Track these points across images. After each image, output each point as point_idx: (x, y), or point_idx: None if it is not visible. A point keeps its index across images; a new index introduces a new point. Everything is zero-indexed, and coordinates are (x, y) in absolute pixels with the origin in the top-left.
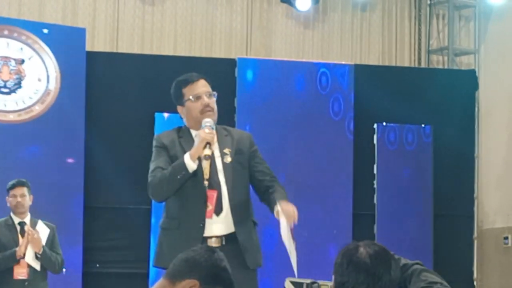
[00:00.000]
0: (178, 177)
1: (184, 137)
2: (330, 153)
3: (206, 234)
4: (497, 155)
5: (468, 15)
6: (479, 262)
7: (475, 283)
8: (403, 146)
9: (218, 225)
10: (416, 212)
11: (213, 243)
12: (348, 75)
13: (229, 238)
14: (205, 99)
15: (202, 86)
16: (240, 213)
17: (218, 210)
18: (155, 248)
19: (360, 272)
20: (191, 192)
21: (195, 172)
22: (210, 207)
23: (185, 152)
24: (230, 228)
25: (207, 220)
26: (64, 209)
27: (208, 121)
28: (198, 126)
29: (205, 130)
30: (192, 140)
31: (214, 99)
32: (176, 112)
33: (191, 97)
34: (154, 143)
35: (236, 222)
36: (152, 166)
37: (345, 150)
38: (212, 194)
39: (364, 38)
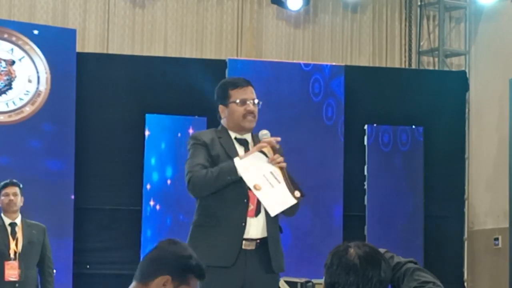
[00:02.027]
0: (228, 178)
1: (223, 137)
2: (321, 154)
3: (243, 236)
4: (487, 156)
5: (459, 16)
6: (470, 263)
7: (465, 284)
8: (394, 147)
9: (254, 228)
10: (406, 213)
11: (247, 245)
12: (339, 77)
13: (262, 242)
14: (251, 106)
15: (250, 93)
16: (272, 218)
17: (258, 211)
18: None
19: (349, 273)
20: (231, 191)
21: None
22: (252, 206)
23: (226, 153)
24: (262, 232)
25: (251, 220)
26: (54, 210)
27: (266, 133)
28: (238, 129)
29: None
30: (231, 141)
31: (258, 107)
32: (165, 113)
33: (237, 100)
34: (191, 141)
35: (268, 226)
36: (190, 162)
37: (335, 152)
38: (253, 195)
39: (355, 39)
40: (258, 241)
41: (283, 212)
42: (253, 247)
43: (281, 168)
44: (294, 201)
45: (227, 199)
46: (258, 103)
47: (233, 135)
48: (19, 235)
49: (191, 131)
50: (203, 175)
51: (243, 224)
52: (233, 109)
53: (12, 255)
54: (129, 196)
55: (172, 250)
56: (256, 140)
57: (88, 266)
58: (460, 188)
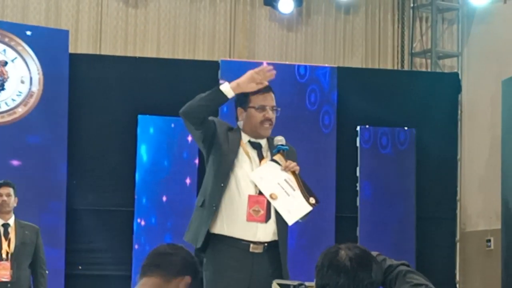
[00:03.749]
0: (208, 91)
1: (233, 134)
2: (312, 155)
3: (250, 238)
4: (479, 158)
5: (451, 18)
6: (462, 265)
7: (457, 285)
8: (386, 149)
9: (262, 231)
10: (399, 214)
11: (255, 248)
12: (329, 75)
13: (270, 246)
14: (269, 113)
15: (270, 99)
16: (283, 223)
17: (268, 217)
18: (189, 223)
19: (340, 275)
20: (218, 177)
21: (232, 163)
22: (262, 212)
23: (229, 144)
24: (272, 236)
25: (258, 224)
26: (46, 211)
27: (281, 140)
28: (253, 134)
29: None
30: (238, 142)
31: (276, 114)
32: (158, 114)
33: (256, 105)
34: None
35: (279, 231)
36: None
37: (328, 153)
38: (263, 199)
39: (347, 40)
40: (265, 244)
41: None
42: (261, 251)
43: (294, 175)
44: (309, 208)
45: (211, 184)
46: (277, 110)
47: (246, 138)
48: (12, 235)
49: (173, 129)
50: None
51: (214, 207)
52: (251, 114)
53: (4, 256)
54: (121, 197)
55: (195, 259)
56: (270, 143)
57: (80, 267)
58: (452, 190)
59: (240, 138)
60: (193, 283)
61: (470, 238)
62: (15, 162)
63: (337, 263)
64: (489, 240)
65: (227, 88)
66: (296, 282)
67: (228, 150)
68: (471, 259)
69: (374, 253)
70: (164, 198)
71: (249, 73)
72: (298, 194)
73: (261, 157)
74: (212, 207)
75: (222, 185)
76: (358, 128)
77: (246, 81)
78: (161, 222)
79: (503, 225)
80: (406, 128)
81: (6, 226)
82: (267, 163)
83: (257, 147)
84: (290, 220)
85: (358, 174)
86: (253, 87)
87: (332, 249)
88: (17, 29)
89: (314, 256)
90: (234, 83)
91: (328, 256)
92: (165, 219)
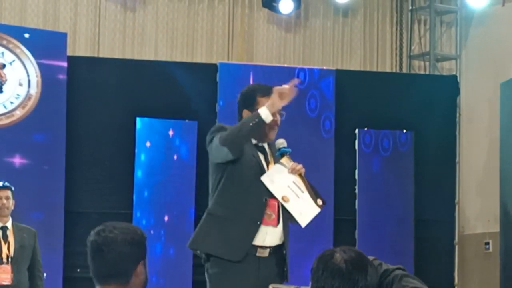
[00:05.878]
0: (251, 124)
1: None
2: (311, 158)
3: (258, 243)
4: (478, 160)
5: (450, 21)
6: (460, 268)
7: None
8: (384, 152)
9: (270, 236)
10: (397, 217)
11: (262, 253)
12: (329, 79)
13: (275, 249)
14: (277, 116)
15: None
16: (288, 227)
17: (278, 221)
18: (200, 231)
19: (335, 277)
20: (253, 188)
21: (261, 170)
22: (274, 216)
23: (248, 151)
24: (278, 240)
25: (269, 229)
26: (45, 214)
27: (282, 142)
28: (259, 137)
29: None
30: (253, 146)
31: (282, 118)
32: (157, 117)
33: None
34: (218, 128)
35: (285, 235)
36: (216, 133)
37: (326, 156)
38: (274, 203)
39: (346, 43)
40: (271, 248)
41: (291, 220)
42: (267, 255)
43: (301, 176)
44: (318, 210)
45: (247, 196)
46: (282, 113)
47: (253, 141)
48: (11, 239)
49: (171, 132)
50: (228, 131)
51: (259, 223)
52: None
53: (4, 259)
54: (119, 200)
55: (132, 237)
56: (272, 147)
57: (78, 270)
58: (451, 193)
59: (252, 145)
60: (145, 258)
61: (469, 241)
62: (13, 165)
63: (332, 266)
64: (487, 243)
65: (265, 113)
66: (292, 287)
67: (248, 156)
68: (469, 262)
69: (370, 258)
70: (162, 200)
71: (276, 89)
72: (306, 196)
73: (267, 161)
74: (257, 224)
75: (264, 200)
76: (356, 130)
77: (277, 98)
78: (159, 224)
79: (501, 228)
80: (404, 130)
81: (4, 229)
82: (275, 166)
83: (262, 151)
84: (303, 222)
85: (356, 176)
86: (285, 99)
87: (327, 252)
88: (15, 32)
89: (312, 259)
90: (269, 104)
91: (323, 259)
92: (163, 220)
